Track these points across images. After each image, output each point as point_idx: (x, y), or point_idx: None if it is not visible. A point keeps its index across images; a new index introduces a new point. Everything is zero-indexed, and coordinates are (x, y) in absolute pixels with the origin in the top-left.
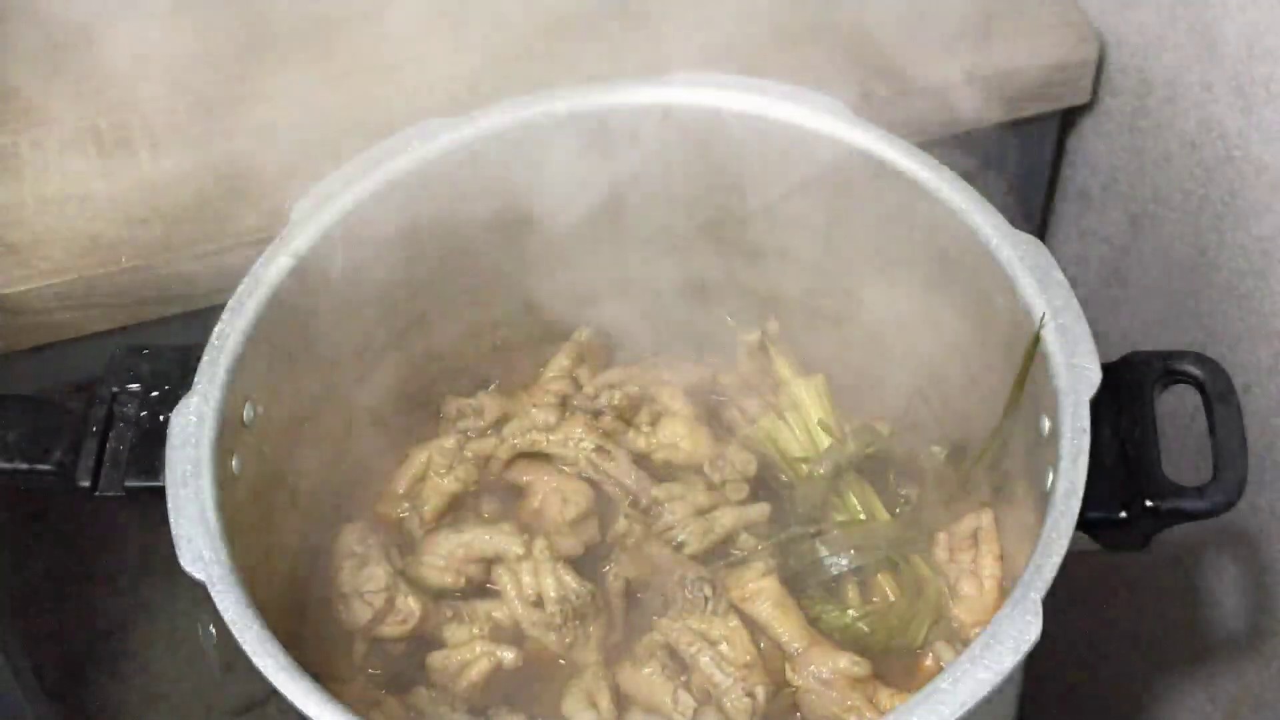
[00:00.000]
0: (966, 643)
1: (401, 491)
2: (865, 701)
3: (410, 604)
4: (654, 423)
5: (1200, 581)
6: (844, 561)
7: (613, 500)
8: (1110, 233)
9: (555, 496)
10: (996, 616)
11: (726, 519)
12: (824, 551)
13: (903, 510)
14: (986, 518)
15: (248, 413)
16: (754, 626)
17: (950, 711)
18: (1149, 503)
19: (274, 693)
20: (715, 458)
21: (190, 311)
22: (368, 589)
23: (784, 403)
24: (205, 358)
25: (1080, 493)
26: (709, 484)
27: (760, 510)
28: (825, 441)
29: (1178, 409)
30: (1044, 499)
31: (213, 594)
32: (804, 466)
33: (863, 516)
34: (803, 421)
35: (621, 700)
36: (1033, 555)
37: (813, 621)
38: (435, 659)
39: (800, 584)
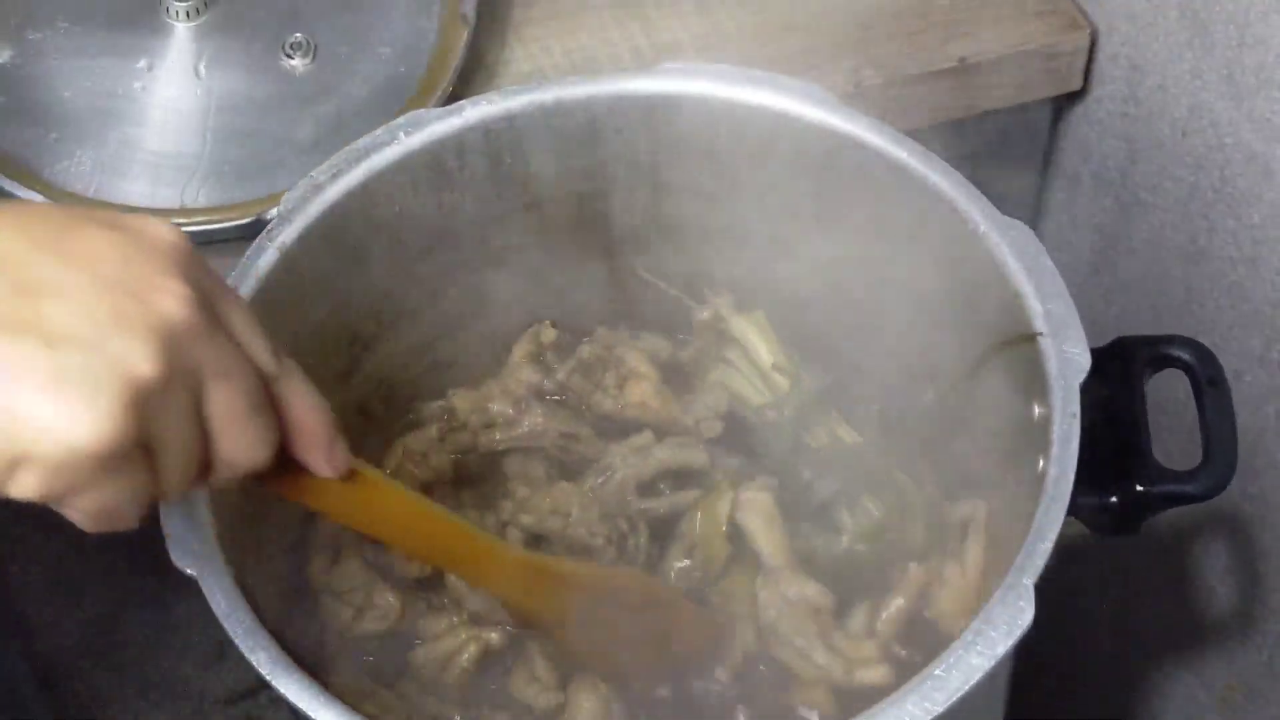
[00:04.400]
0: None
1: None
2: (816, 633)
3: (389, 599)
4: (621, 385)
5: (1191, 568)
6: (831, 484)
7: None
8: (1101, 220)
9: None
10: (989, 602)
11: (661, 451)
12: (808, 476)
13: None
14: (980, 509)
15: None
16: (739, 536)
17: (944, 698)
18: (1139, 487)
19: (266, 685)
20: (687, 402)
21: None
22: (344, 587)
23: (733, 353)
24: None
25: (1071, 477)
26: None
27: (699, 455)
28: (784, 385)
29: (1169, 394)
30: (1035, 485)
31: (204, 588)
32: (769, 413)
33: (830, 444)
34: (754, 367)
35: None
36: (1025, 541)
37: (809, 556)
38: (418, 657)
39: (794, 518)
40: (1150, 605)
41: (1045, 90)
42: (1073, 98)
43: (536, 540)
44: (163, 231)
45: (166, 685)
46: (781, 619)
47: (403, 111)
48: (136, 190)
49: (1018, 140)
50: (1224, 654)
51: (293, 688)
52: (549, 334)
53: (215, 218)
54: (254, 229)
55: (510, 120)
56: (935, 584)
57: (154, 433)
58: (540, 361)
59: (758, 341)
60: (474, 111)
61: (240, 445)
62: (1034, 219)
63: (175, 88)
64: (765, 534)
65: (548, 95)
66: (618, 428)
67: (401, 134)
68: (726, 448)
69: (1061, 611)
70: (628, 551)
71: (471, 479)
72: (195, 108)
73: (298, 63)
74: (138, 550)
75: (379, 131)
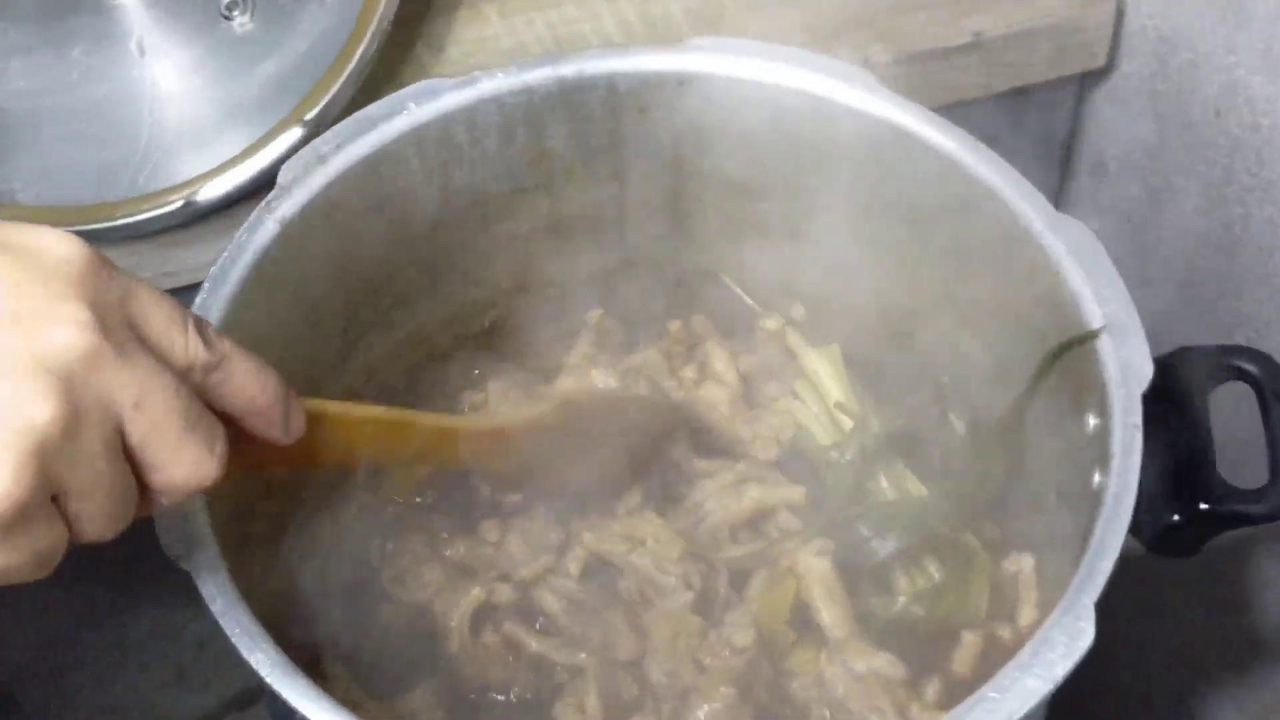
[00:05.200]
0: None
1: None
2: (893, 707)
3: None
4: (698, 382)
5: (1249, 588)
6: (890, 543)
7: None
8: (1128, 208)
9: None
10: (1048, 621)
11: (754, 490)
12: (867, 532)
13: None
14: (1027, 563)
15: None
16: (800, 605)
17: None
18: (1203, 506)
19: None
20: (751, 417)
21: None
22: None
23: (800, 385)
24: None
25: (1134, 492)
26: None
27: (796, 492)
28: (847, 425)
29: (1226, 405)
30: (1083, 503)
31: (198, 584)
32: (833, 454)
33: (891, 496)
34: (822, 402)
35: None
36: (1084, 558)
37: (865, 618)
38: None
39: (852, 575)
40: (1204, 625)
41: (1067, 67)
42: (1097, 75)
43: (598, 563)
44: (54, 245)
45: (123, 709)
46: (852, 695)
47: (340, 59)
48: (82, 190)
49: (1037, 122)
50: (1269, 678)
51: (294, 692)
52: (598, 323)
53: (164, 200)
54: (195, 210)
55: (528, 94)
56: (992, 649)
57: (65, 480)
58: (595, 363)
59: (827, 377)
60: (489, 83)
61: (182, 469)
62: (1056, 206)
63: (114, 70)
64: (827, 604)
65: (568, 68)
66: None
67: (411, 104)
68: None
69: (1111, 630)
70: (709, 595)
71: None
72: (136, 88)
73: (237, 22)
74: (92, 563)
75: (386, 100)
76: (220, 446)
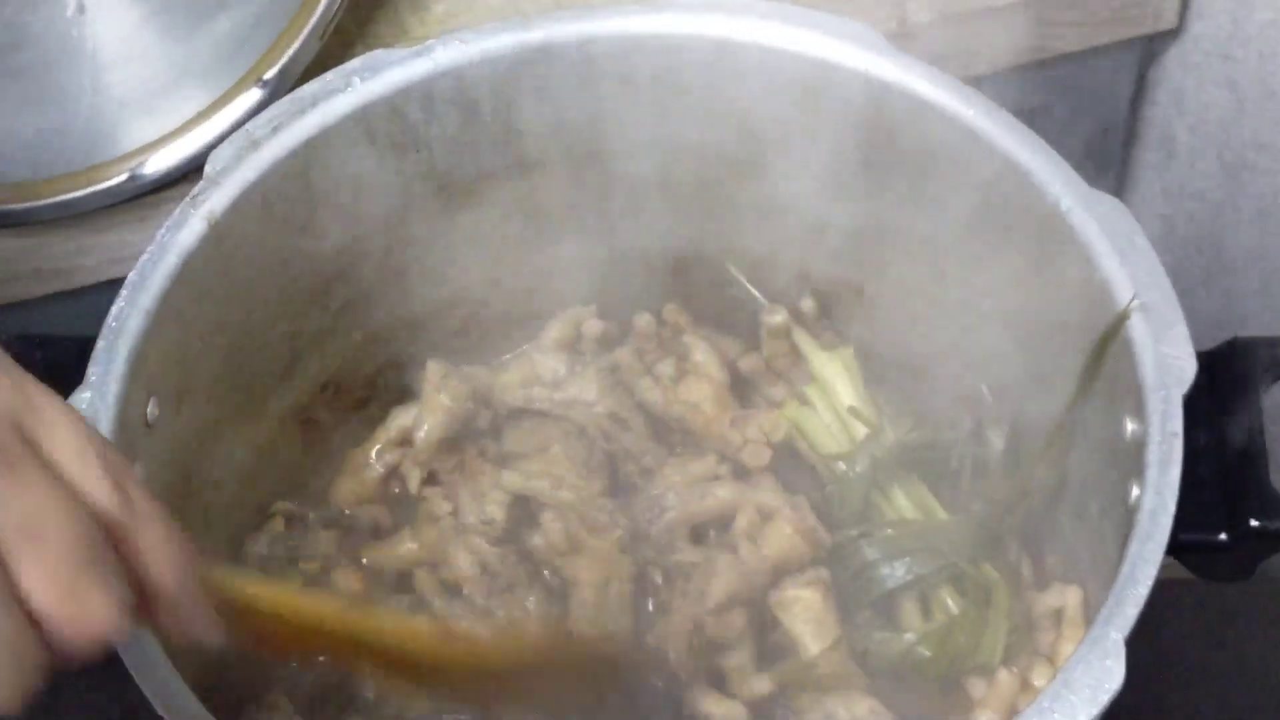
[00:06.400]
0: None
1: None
2: None
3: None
4: (677, 379)
5: None
6: (900, 571)
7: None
8: (1202, 187)
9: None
10: (1071, 660)
11: (723, 490)
12: (872, 555)
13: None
14: (1073, 596)
15: (151, 410)
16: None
17: None
18: (1255, 522)
19: None
20: (739, 418)
21: (80, 288)
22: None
23: (810, 389)
24: (101, 343)
25: (1171, 510)
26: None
27: (770, 498)
28: (860, 432)
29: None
30: (1127, 518)
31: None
32: (840, 465)
33: (908, 516)
34: (832, 408)
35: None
36: (1114, 586)
37: (862, 656)
38: None
39: (851, 605)
40: (1265, 663)
41: (1130, 29)
42: (1164, 38)
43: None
44: None
45: None
46: None
47: (303, 11)
48: (13, 166)
49: (1098, 91)
50: None
51: None
52: (593, 326)
53: (106, 173)
54: (142, 184)
55: (490, 64)
56: (1023, 695)
57: None
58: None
59: (839, 381)
60: (445, 53)
61: (78, 619)
62: (1118, 187)
63: (49, 31)
64: (813, 639)
65: (535, 34)
66: (659, 426)
67: (356, 80)
68: (785, 483)
69: (1153, 669)
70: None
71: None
72: (75, 50)
73: None
74: None
75: (329, 76)
76: (124, 595)
